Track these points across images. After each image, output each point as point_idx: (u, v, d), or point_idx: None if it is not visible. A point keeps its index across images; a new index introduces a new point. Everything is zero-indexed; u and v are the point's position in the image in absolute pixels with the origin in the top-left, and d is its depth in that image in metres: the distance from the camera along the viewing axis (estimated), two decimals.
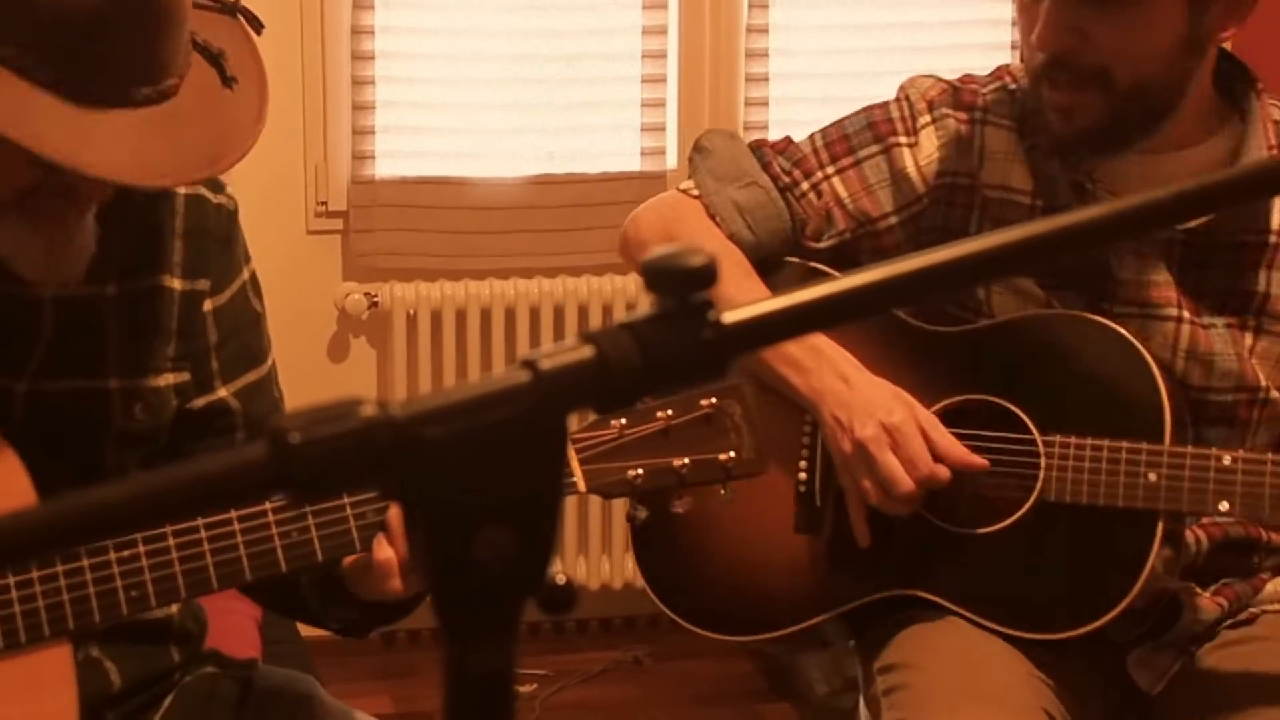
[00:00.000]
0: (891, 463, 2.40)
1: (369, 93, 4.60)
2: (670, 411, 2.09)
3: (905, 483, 2.40)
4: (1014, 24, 4.77)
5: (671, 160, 4.80)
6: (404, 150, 4.69)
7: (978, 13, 4.84)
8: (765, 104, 4.82)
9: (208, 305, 2.24)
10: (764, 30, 4.78)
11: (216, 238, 2.26)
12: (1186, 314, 2.47)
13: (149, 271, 2.19)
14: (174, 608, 2.26)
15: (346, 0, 4.56)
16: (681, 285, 0.91)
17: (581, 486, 2.09)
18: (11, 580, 1.98)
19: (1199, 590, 2.54)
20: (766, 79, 4.81)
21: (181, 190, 2.23)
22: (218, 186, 2.28)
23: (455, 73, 4.69)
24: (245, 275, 2.30)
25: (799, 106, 4.76)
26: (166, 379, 2.20)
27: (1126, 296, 2.48)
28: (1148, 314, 2.47)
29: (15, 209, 1.98)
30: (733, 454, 2.11)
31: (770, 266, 2.64)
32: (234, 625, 2.41)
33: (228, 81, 2.01)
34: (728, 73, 4.86)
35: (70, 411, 2.13)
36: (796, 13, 4.83)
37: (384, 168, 4.67)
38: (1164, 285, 2.48)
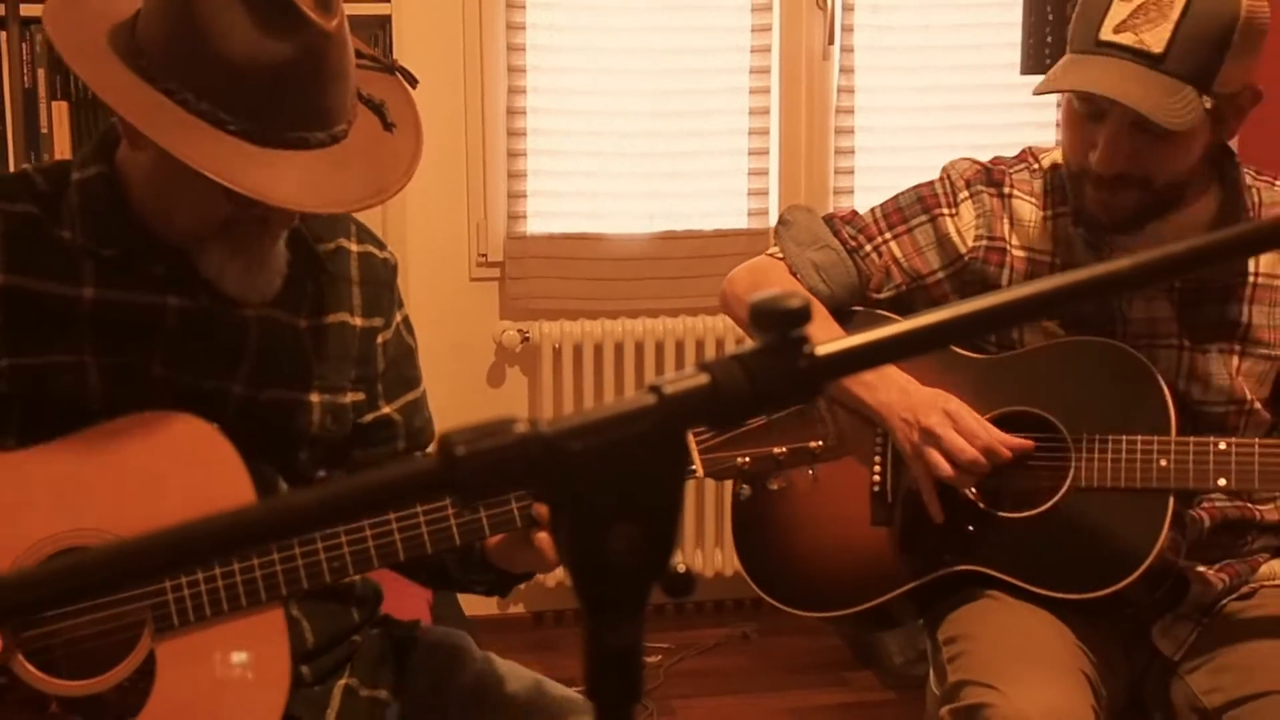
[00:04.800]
0: (955, 437, 2.47)
1: (521, 163, 4.62)
2: None
3: (968, 450, 2.45)
4: (1057, 105, 4.76)
5: (773, 219, 4.78)
6: (551, 211, 4.70)
7: (1026, 96, 4.78)
8: (851, 172, 4.81)
9: (379, 339, 2.28)
10: (850, 111, 4.77)
11: (384, 285, 2.31)
12: (1186, 343, 2.55)
13: (333, 310, 2.23)
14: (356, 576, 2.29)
15: (502, 87, 4.59)
16: (782, 323, 0.90)
17: (700, 472, 2.11)
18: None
19: (1204, 567, 2.58)
20: (852, 151, 4.80)
21: (354, 248, 2.28)
22: (381, 246, 2.34)
23: (594, 146, 4.70)
24: (400, 316, 2.35)
25: (879, 174, 4.75)
26: (350, 397, 2.24)
27: (1136, 332, 2.55)
28: (1155, 344, 2.54)
29: (218, 237, 2.02)
30: (820, 442, 2.13)
31: (844, 314, 2.71)
32: (405, 595, 2.43)
33: (388, 126, 2.06)
34: (820, 146, 4.85)
35: (277, 417, 2.16)
36: (878, 96, 4.82)
37: (534, 225, 4.69)
38: (1166, 321, 2.55)
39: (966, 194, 2.67)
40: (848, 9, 4.73)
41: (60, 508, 2.01)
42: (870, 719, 4.34)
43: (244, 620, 2.03)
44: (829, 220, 2.76)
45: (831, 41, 4.78)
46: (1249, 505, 2.60)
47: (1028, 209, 2.63)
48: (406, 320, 2.37)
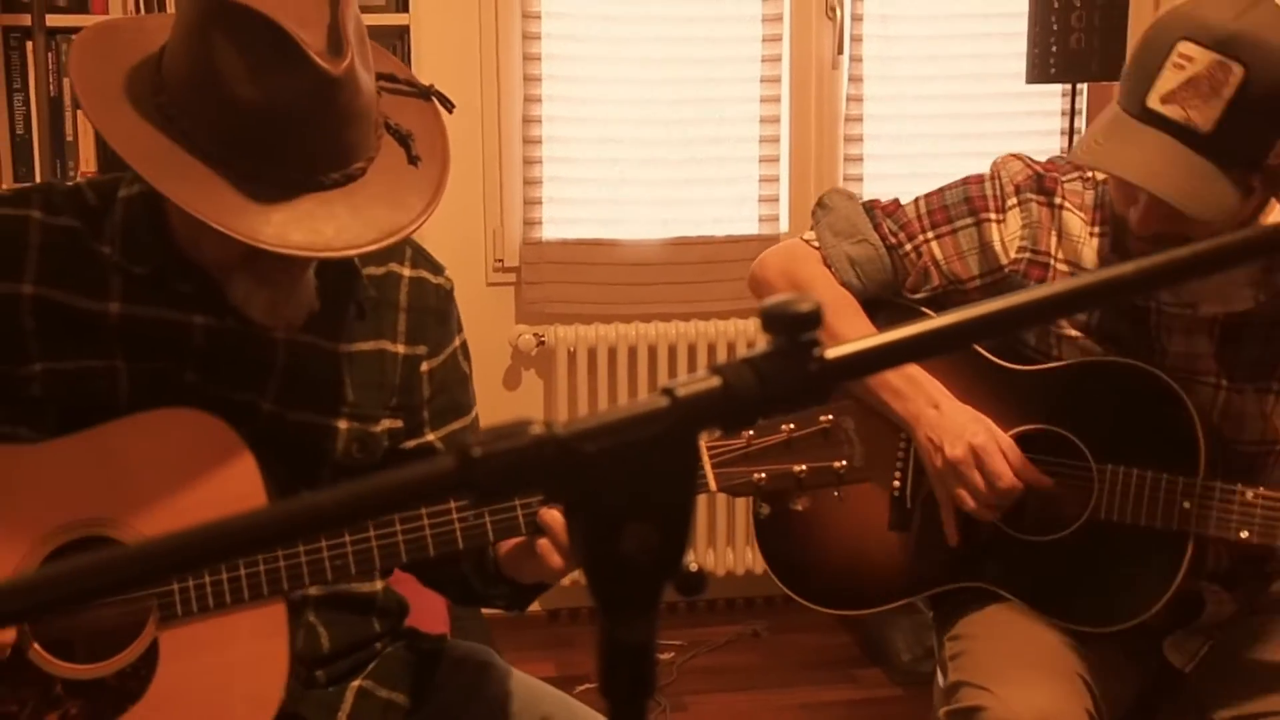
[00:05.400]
0: (977, 478, 2.39)
1: (537, 170, 4.63)
2: (793, 425, 2.02)
3: (990, 494, 2.39)
4: (1063, 114, 4.76)
5: (783, 225, 4.80)
6: (566, 217, 4.72)
7: (1032, 105, 4.81)
8: (860, 179, 4.81)
9: (424, 367, 2.23)
10: (859, 119, 4.78)
11: (434, 312, 2.25)
12: (1224, 382, 2.42)
13: (375, 337, 2.19)
14: (379, 586, 2.27)
15: (518, 96, 4.60)
16: (792, 327, 0.90)
17: (712, 486, 2.03)
18: None
19: (1219, 589, 2.52)
20: (861, 159, 4.80)
21: (406, 273, 2.23)
22: (437, 270, 2.28)
23: (608, 154, 4.71)
24: (457, 342, 2.29)
25: (887, 181, 4.75)
26: (384, 425, 2.19)
27: (1174, 365, 2.42)
28: (1192, 379, 2.41)
29: (243, 268, 2.00)
30: (845, 463, 2.03)
31: (878, 304, 2.60)
32: (429, 607, 2.41)
33: (413, 160, 2.00)
34: (829, 154, 4.85)
35: (302, 439, 2.13)
36: (886, 104, 4.83)
37: (549, 231, 4.70)
38: (1205, 358, 2.42)
39: (1015, 201, 2.52)
40: (857, 20, 4.73)
41: (73, 497, 2.02)
42: (878, 715, 4.33)
43: (247, 614, 2.03)
44: (870, 209, 2.63)
45: (841, 51, 4.79)
46: None
47: (1077, 223, 2.48)
48: (464, 346, 2.31)
